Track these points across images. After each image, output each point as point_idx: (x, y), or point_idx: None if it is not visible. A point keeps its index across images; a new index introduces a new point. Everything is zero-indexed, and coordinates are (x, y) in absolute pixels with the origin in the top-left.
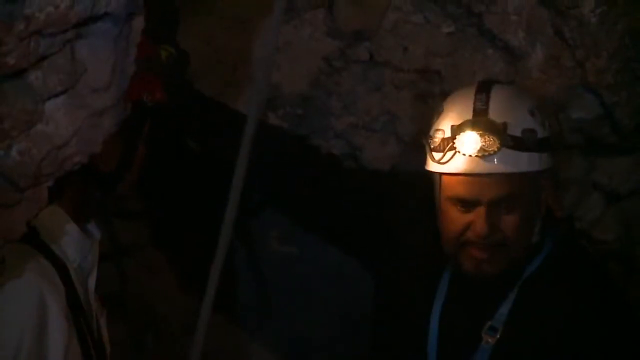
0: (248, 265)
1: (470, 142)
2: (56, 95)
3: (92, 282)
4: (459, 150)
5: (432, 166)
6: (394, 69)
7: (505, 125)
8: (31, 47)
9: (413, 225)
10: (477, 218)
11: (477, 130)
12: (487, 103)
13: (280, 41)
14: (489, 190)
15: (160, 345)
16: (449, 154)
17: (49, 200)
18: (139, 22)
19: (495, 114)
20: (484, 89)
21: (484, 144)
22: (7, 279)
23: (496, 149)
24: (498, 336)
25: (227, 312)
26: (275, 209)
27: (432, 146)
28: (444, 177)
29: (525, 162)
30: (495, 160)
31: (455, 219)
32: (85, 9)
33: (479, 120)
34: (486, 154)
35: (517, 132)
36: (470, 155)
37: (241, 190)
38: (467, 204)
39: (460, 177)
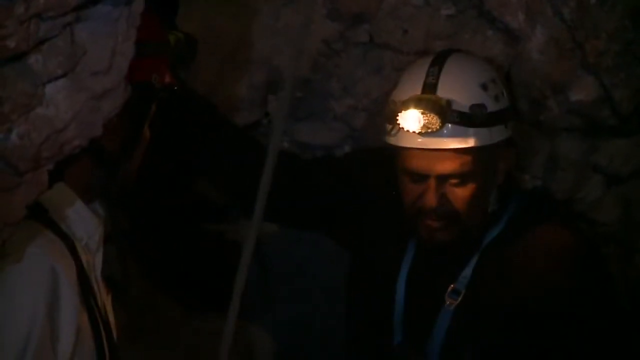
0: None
1: (413, 119)
2: (56, 79)
3: (98, 262)
4: (402, 126)
5: (384, 137)
6: (394, 51)
7: (449, 102)
8: (31, 30)
9: (381, 197)
10: (427, 190)
11: (419, 109)
12: (437, 77)
13: (280, 24)
14: (437, 165)
15: (160, 329)
16: (396, 127)
17: (54, 179)
18: (138, 5)
19: (444, 89)
20: (437, 62)
21: (426, 121)
22: (17, 254)
23: (438, 127)
24: (460, 298)
25: (225, 298)
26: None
27: (385, 117)
28: (396, 149)
29: (472, 137)
30: (442, 136)
31: (409, 189)
32: None
33: (423, 98)
34: (429, 130)
35: (465, 108)
36: (414, 132)
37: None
38: (417, 177)
39: (409, 151)
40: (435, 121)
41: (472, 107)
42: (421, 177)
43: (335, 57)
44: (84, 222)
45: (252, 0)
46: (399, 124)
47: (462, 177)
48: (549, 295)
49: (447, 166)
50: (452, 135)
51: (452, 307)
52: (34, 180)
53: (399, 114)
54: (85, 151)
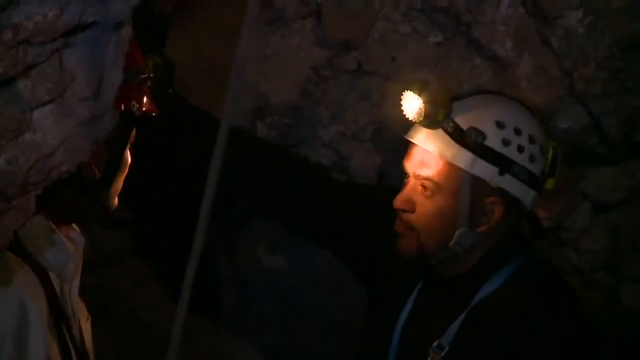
0: (236, 275)
1: (410, 101)
2: (44, 104)
3: (75, 289)
4: (403, 107)
5: None
6: (382, 78)
7: (451, 108)
8: (19, 55)
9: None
10: (402, 188)
11: (422, 96)
12: (465, 98)
13: (268, 51)
14: (415, 164)
15: (148, 353)
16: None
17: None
18: (127, 31)
19: (462, 105)
20: (482, 93)
21: (420, 110)
22: None
23: (431, 123)
24: (443, 354)
25: (215, 321)
26: (263, 219)
27: None
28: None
29: (451, 152)
30: (430, 138)
31: (398, 194)
32: (73, 17)
33: (433, 90)
34: (423, 124)
35: (464, 125)
36: (415, 122)
37: (214, 198)
38: (405, 176)
39: (410, 147)
40: (427, 114)
41: (472, 129)
42: (406, 176)
43: (324, 84)
44: (59, 251)
45: (241, 26)
46: (402, 104)
47: (433, 190)
48: None
49: (423, 169)
50: (437, 141)
51: None
52: (22, 205)
53: (404, 92)
54: (65, 180)
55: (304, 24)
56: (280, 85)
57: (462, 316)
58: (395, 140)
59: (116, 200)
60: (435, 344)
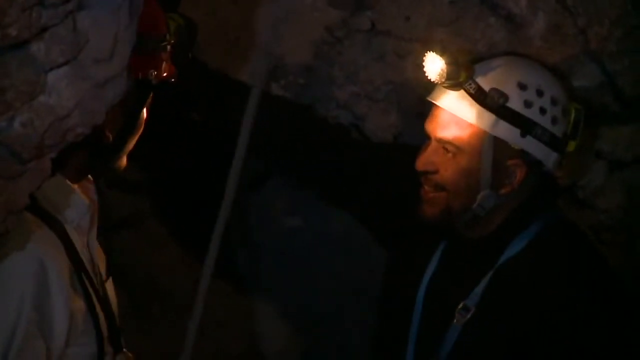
0: (253, 236)
1: (432, 62)
2: (58, 66)
3: (92, 240)
4: (425, 69)
5: None
6: (396, 38)
7: (472, 70)
8: (33, 18)
9: (414, 197)
10: (423, 150)
11: (445, 58)
12: (488, 58)
13: (282, 11)
14: (438, 127)
15: (166, 316)
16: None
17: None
18: None
19: (484, 66)
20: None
21: (442, 71)
22: (4, 247)
23: (453, 84)
24: (469, 316)
25: (233, 282)
26: (278, 180)
27: None
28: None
29: (473, 113)
30: (452, 100)
31: (419, 156)
32: None
33: (455, 52)
34: (445, 85)
35: (486, 87)
36: (437, 83)
37: (243, 162)
38: (427, 138)
39: (432, 109)
40: (449, 75)
41: (493, 89)
42: (427, 138)
43: (338, 44)
44: (74, 204)
45: None
46: (423, 65)
47: (457, 151)
48: (557, 329)
49: (445, 131)
50: (460, 103)
51: (461, 323)
52: (37, 168)
53: (427, 53)
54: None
55: None
56: (294, 46)
57: (487, 277)
58: (410, 100)
59: (125, 160)
60: (460, 305)
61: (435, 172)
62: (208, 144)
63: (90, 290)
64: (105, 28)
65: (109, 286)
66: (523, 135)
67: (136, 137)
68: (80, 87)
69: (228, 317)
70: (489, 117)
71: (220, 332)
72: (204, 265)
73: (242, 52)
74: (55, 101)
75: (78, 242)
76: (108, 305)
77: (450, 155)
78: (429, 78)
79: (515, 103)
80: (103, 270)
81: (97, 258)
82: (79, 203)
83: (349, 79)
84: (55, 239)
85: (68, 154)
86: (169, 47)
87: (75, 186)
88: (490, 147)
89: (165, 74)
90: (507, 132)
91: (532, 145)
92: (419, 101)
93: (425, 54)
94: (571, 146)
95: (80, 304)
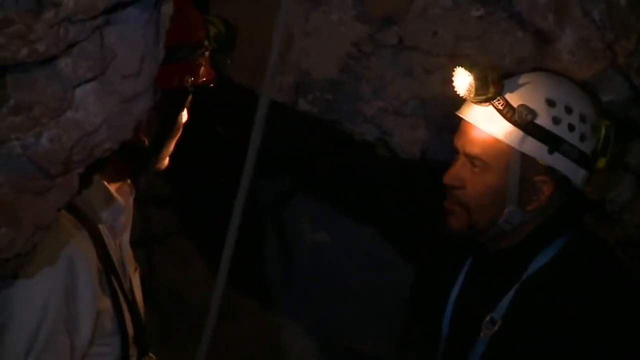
0: (280, 251)
1: (461, 78)
2: (86, 82)
3: (125, 241)
4: (454, 84)
5: None
6: (423, 53)
7: (501, 85)
8: (60, 33)
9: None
10: (452, 166)
11: (473, 73)
12: (517, 75)
13: (309, 26)
14: (466, 142)
15: (193, 332)
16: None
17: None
18: (168, 8)
19: (513, 83)
20: (534, 70)
21: (470, 86)
22: (39, 245)
23: (482, 99)
24: (495, 329)
25: (261, 298)
26: (305, 196)
27: None
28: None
29: (501, 129)
30: (480, 115)
31: (447, 171)
32: None
33: (483, 68)
34: (474, 100)
35: (514, 103)
36: (466, 99)
37: (252, 176)
38: (456, 153)
39: (460, 124)
40: (478, 90)
41: (522, 106)
42: (456, 152)
43: (365, 59)
44: (109, 206)
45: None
46: (452, 80)
47: (484, 168)
48: (580, 343)
49: (473, 146)
50: (488, 119)
51: (488, 336)
52: (65, 183)
53: (456, 68)
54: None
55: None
56: (321, 61)
57: (513, 290)
58: (437, 115)
59: (167, 161)
60: (487, 318)
61: (462, 187)
62: (234, 159)
63: (119, 291)
64: (133, 43)
65: (136, 283)
66: (551, 152)
67: (174, 140)
68: (108, 103)
69: (255, 333)
70: (516, 134)
71: (247, 348)
72: (216, 281)
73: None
74: (83, 117)
75: (110, 243)
76: (135, 307)
77: (477, 170)
78: (457, 93)
79: (543, 120)
80: (133, 272)
81: (127, 260)
82: (114, 204)
83: (376, 94)
84: (87, 238)
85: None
86: (207, 52)
87: (112, 187)
88: (518, 163)
89: (204, 79)
90: (534, 148)
91: (559, 162)
92: (446, 116)
93: (455, 68)
94: (601, 163)
95: (107, 304)
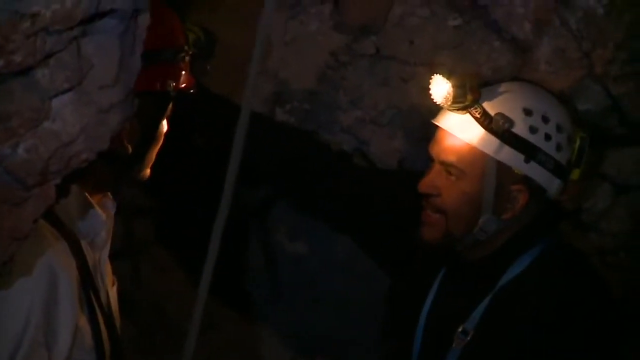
0: (258, 261)
1: (439, 85)
2: (63, 92)
3: (104, 256)
4: (431, 92)
5: None
6: (401, 62)
7: (478, 93)
8: (37, 44)
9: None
10: (427, 173)
11: (451, 81)
12: (494, 85)
13: (286, 36)
14: (442, 150)
15: (171, 343)
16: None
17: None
18: (144, 19)
19: (490, 92)
20: (511, 80)
21: (448, 94)
22: (20, 256)
23: (459, 107)
24: (468, 339)
25: (238, 308)
26: (283, 205)
27: None
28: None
29: (477, 137)
30: (455, 121)
31: (422, 179)
32: (91, 5)
33: (461, 75)
34: (451, 108)
35: (492, 111)
36: (442, 107)
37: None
38: (431, 160)
39: (436, 132)
40: (456, 98)
41: (499, 114)
42: (431, 161)
43: (342, 69)
44: (91, 220)
45: (258, 12)
46: (430, 88)
47: (460, 175)
48: (554, 354)
49: (448, 154)
50: (465, 126)
51: (460, 347)
52: (42, 194)
53: (433, 75)
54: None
55: (322, 9)
56: (298, 71)
57: (486, 300)
58: (415, 125)
59: (148, 171)
60: (460, 329)
61: (438, 195)
62: (214, 168)
63: (96, 307)
64: (110, 54)
65: (113, 297)
66: (527, 161)
67: (156, 148)
68: (85, 113)
69: (233, 343)
70: (493, 142)
71: (228, 355)
72: (198, 293)
73: (246, 79)
74: (60, 127)
75: (90, 258)
76: (112, 323)
77: (453, 178)
78: (434, 101)
79: (520, 128)
80: (110, 287)
81: (106, 275)
82: (95, 218)
83: (353, 104)
84: (68, 252)
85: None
86: (187, 58)
87: (94, 200)
88: (494, 171)
89: (184, 85)
90: (511, 157)
91: (535, 172)
92: (423, 126)
93: (432, 76)
94: (575, 174)
95: (85, 319)
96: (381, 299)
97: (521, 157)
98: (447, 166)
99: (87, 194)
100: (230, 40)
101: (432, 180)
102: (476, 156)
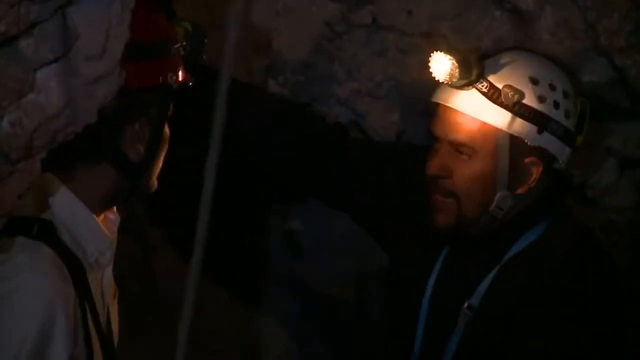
0: (251, 240)
1: (440, 62)
2: (48, 64)
3: (108, 272)
4: (432, 70)
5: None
6: (398, 33)
7: (482, 67)
8: (21, 13)
9: (418, 199)
10: (435, 155)
11: (454, 57)
12: (496, 55)
13: (280, 6)
14: (450, 129)
15: (161, 323)
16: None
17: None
18: None
19: (494, 63)
20: (510, 49)
21: (452, 71)
22: (17, 280)
23: (464, 83)
24: (474, 314)
25: (230, 288)
26: (277, 183)
27: None
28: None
29: (487, 112)
30: (461, 97)
31: (429, 159)
32: None
33: (462, 50)
34: (456, 85)
35: (498, 84)
36: (444, 84)
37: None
38: (436, 142)
39: (439, 110)
40: (461, 75)
41: (507, 86)
42: (438, 142)
43: (338, 39)
44: (96, 239)
45: None
46: (430, 67)
47: (472, 154)
48: (556, 326)
49: (458, 133)
50: (472, 103)
51: (466, 322)
52: (26, 168)
53: (433, 52)
54: (107, 162)
55: None
56: (292, 42)
57: (492, 273)
58: (413, 97)
59: (156, 182)
60: (465, 304)
61: (448, 176)
62: (204, 144)
63: (94, 332)
64: (97, 24)
65: (113, 312)
66: (540, 131)
67: (163, 153)
68: (71, 85)
69: (224, 326)
70: (504, 115)
71: (215, 341)
72: (189, 273)
73: (242, 52)
74: (45, 100)
75: (92, 280)
76: (110, 343)
77: (464, 157)
78: (436, 78)
79: (529, 99)
80: (112, 300)
81: (107, 289)
82: (101, 239)
83: (350, 76)
84: (68, 278)
85: (94, 178)
86: (182, 51)
87: (100, 219)
88: (507, 146)
89: (182, 79)
90: (524, 129)
91: (548, 141)
92: (422, 98)
93: (432, 53)
94: (578, 140)
95: (81, 347)
96: (379, 277)
97: (534, 128)
98: (457, 145)
99: (93, 215)
100: (222, 14)
101: (442, 161)
102: (487, 132)
